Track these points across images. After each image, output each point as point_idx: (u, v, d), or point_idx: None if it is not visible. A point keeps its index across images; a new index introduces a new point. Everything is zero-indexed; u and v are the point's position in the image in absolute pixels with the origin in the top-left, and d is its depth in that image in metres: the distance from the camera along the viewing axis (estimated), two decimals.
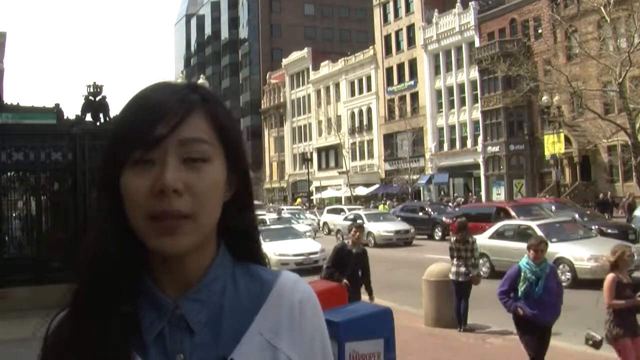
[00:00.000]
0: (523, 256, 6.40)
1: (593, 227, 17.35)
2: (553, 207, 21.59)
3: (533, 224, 14.74)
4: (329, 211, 35.23)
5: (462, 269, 9.41)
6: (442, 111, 49.39)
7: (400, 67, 54.61)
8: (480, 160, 44.62)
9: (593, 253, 12.91)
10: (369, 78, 58.79)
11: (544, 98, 31.40)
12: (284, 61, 72.48)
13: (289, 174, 71.89)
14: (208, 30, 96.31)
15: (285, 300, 1.00)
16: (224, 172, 0.97)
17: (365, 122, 59.28)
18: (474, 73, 44.94)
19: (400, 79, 54.55)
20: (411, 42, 53.19)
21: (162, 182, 0.89)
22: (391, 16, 56.33)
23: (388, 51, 56.11)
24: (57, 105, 11.59)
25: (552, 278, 6.19)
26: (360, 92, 59.99)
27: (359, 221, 22.27)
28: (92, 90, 11.17)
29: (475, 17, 45.81)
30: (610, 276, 5.75)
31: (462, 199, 40.10)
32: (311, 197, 60.66)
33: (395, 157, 52.41)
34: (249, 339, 0.96)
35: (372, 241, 24.01)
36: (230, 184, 0.99)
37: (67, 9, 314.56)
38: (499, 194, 42.15)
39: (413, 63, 52.75)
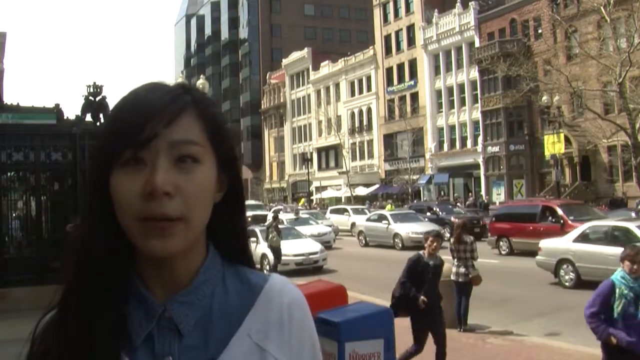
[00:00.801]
0: (617, 262, 5.35)
1: None
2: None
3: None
4: (332, 211, 34.95)
5: (462, 270, 9.44)
6: (442, 111, 49.39)
7: (400, 67, 54.61)
8: (480, 160, 44.62)
9: None
10: (369, 78, 58.79)
11: (544, 98, 31.40)
12: (284, 61, 72.48)
13: (289, 174, 71.89)
14: (208, 31, 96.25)
15: (274, 303, 1.00)
16: (215, 173, 0.96)
17: (365, 122, 59.27)
18: (474, 73, 44.93)
19: (400, 79, 54.54)
20: (411, 42, 53.18)
21: (153, 184, 0.88)
22: (391, 16, 56.33)
23: (388, 51, 56.11)
24: (57, 105, 11.59)
25: None
26: (360, 92, 59.98)
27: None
28: (92, 90, 11.17)
29: (475, 17, 45.81)
30: None
31: (472, 199, 39.73)
32: (311, 197, 60.64)
33: (395, 157, 52.40)
34: (237, 342, 0.95)
35: (400, 244, 23.02)
36: (220, 185, 0.99)
37: (67, 9, 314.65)
38: (499, 194, 42.15)
39: (413, 63, 52.75)
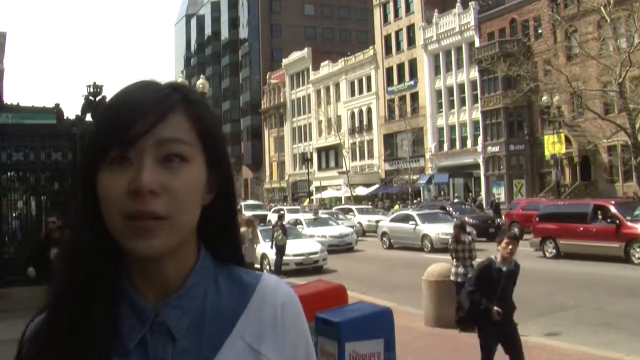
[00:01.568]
0: None
1: None
2: None
3: None
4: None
5: (461, 270, 9.45)
6: (442, 111, 49.39)
7: (400, 67, 54.62)
8: (480, 160, 44.63)
9: None
10: (369, 78, 58.79)
11: (544, 98, 31.41)
12: (284, 61, 72.48)
13: (289, 174, 71.89)
14: (208, 31, 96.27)
15: (267, 303, 0.99)
16: (204, 173, 0.95)
17: (365, 122, 59.27)
18: (474, 73, 44.94)
19: (400, 79, 54.55)
20: (411, 42, 53.19)
21: (138, 182, 0.87)
22: (391, 16, 56.34)
23: (388, 51, 56.11)
24: (57, 105, 11.60)
25: None
26: (360, 92, 59.98)
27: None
28: (92, 90, 11.18)
29: (475, 17, 45.82)
30: None
31: (482, 198, 39.40)
32: (311, 197, 60.62)
33: (395, 157, 52.40)
34: (231, 344, 0.95)
35: (429, 245, 21.64)
36: (211, 186, 0.97)
37: (67, 9, 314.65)
38: (499, 194, 42.15)
39: (413, 63, 52.76)
